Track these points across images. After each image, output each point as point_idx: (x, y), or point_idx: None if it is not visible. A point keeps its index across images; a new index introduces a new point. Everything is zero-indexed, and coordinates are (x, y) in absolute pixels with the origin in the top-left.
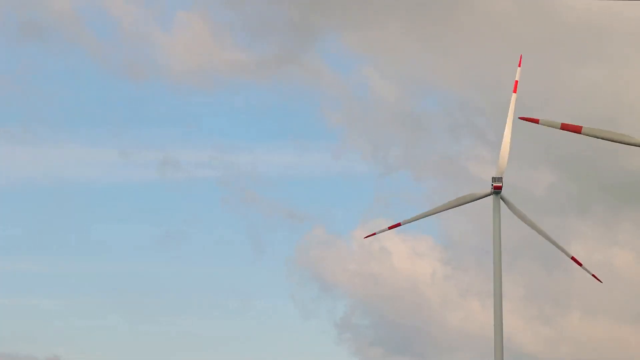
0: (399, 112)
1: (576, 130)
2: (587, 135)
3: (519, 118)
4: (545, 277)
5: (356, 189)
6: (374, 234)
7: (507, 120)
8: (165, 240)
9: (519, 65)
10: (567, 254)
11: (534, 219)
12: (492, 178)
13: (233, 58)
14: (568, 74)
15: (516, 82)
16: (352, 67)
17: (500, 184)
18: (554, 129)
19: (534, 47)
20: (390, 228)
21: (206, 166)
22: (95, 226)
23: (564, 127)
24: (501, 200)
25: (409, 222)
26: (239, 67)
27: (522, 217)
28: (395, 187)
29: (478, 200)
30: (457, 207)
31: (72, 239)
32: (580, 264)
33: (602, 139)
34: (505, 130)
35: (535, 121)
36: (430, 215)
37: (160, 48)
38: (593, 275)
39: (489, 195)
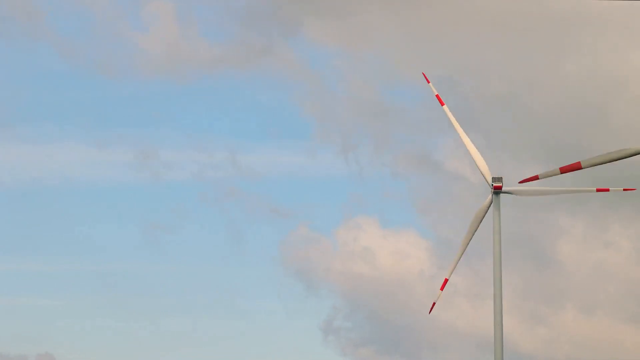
0: (377, 105)
1: (576, 167)
2: (587, 167)
3: (519, 182)
4: (538, 276)
5: (335, 185)
6: (434, 303)
7: (459, 132)
8: (151, 239)
9: (428, 82)
10: (591, 190)
11: (523, 214)
12: (492, 178)
13: (207, 51)
14: (553, 62)
15: (437, 95)
16: (331, 60)
17: (501, 184)
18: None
19: (518, 38)
20: (442, 289)
21: (188, 163)
22: (79, 225)
23: (563, 170)
24: (500, 199)
25: (451, 272)
26: (214, 60)
27: (532, 192)
28: (374, 183)
29: (465, 197)
30: (444, 205)
31: (56, 239)
32: (607, 190)
33: (603, 163)
34: (464, 141)
35: (535, 178)
36: (461, 254)
37: (131, 42)
38: (625, 189)
39: (490, 202)
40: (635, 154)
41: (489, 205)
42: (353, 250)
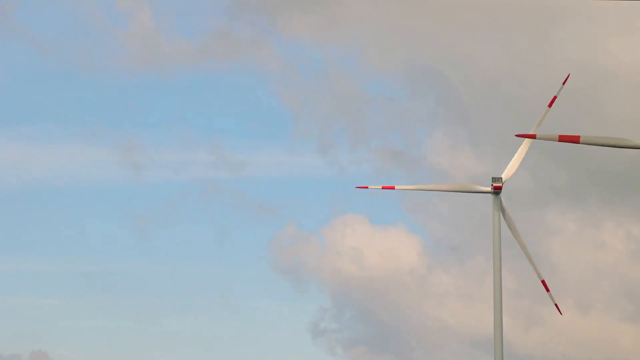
0: (360, 101)
1: (574, 140)
2: (585, 143)
3: (516, 135)
4: (532, 275)
5: (322, 183)
6: (367, 187)
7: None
8: (142, 239)
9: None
10: (538, 275)
11: (517, 213)
12: (492, 178)
13: (184, 45)
14: (542, 53)
15: (554, 97)
16: (315, 53)
17: (500, 184)
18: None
19: (505, 29)
20: (383, 188)
21: (179, 162)
22: (71, 225)
23: (562, 138)
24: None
25: (404, 189)
26: (193, 54)
27: (509, 222)
28: (359, 181)
29: (456, 197)
30: (435, 204)
31: (44, 239)
32: (547, 290)
33: (602, 145)
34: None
35: (532, 136)
36: (426, 190)
37: (106, 38)
38: (555, 305)
39: (487, 192)
40: (634, 148)
41: (481, 192)
42: (342, 249)
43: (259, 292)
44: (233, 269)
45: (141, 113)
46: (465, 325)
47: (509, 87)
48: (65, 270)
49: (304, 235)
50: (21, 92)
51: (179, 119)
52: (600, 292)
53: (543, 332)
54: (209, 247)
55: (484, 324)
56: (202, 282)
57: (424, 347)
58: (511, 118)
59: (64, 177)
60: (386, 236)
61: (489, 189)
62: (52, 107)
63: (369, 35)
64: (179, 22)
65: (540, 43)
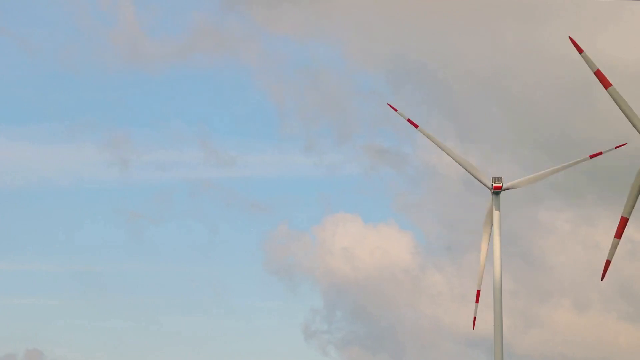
0: (350, 98)
1: (605, 84)
2: (610, 94)
3: (569, 37)
4: (529, 275)
5: (311, 182)
6: (475, 317)
7: (444, 149)
8: (135, 239)
9: (395, 110)
10: (585, 159)
11: (513, 212)
12: (492, 178)
13: (170, 42)
14: (533, 48)
15: (409, 120)
16: (304, 49)
17: (500, 184)
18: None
19: (495, 24)
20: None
21: (164, 161)
22: (63, 226)
23: (598, 74)
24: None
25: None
26: (180, 51)
27: (531, 180)
28: (350, 179)
29: (450, 195)
30: (428, 201)
31: (41, 239)
32: (600, 153)
33: (621, 108)
34: (453, 157)
35: (580, 50)
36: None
37: (92, 37)
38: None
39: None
40: None
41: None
42: (334, 248)
43: (252, 291)
44: (226, 268)
45: (130, 112)
46: (461, 326)
47: (500, 83)
48: (61, 270)
49: (296, 234)
50: (11, 93)
51: (169, 117)
52: (597, 291)
53: (541, 332)
54: (202, 246)
55: (480, 322)
56: (196, 281)
57: (418, 347)
58: (502, 114)
59: (60, 177)
60: (378, 234)
61: (489, 184)
62: (45, 108)
63: (356, 31)
64: (164, 19)
65: (531, 38)
